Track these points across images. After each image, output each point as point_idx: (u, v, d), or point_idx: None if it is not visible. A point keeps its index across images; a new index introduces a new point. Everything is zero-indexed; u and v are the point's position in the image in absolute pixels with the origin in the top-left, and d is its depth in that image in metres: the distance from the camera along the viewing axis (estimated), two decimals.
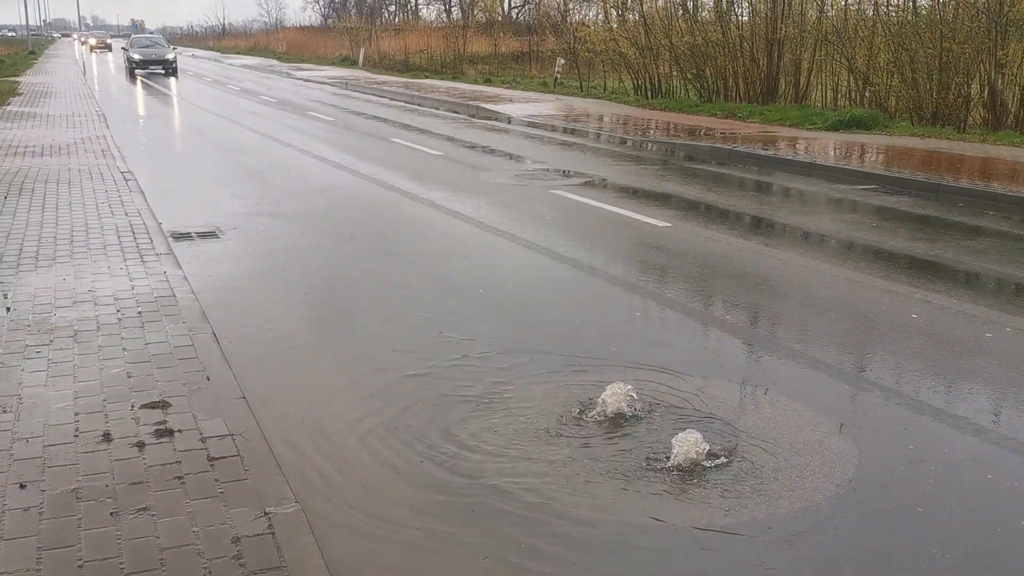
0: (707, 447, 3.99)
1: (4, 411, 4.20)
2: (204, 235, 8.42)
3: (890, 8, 18.40)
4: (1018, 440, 4.26)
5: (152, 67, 37.16)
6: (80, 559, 3.03)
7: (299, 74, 38.29)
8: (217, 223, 8.91)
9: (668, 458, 3.96)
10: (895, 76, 17.39)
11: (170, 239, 8.03)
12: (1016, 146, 13.87)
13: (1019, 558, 3.31)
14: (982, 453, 4.12)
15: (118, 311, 5.77)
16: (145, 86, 31.22)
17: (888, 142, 14.66)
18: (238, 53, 65.73)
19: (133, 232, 8.09)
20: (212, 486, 3.54)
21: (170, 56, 37.37)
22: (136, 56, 36.96)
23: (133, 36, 44.79)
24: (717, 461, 3.95)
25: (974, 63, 15.65)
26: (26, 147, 13.94)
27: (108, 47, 72.29)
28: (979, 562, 3.29)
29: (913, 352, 5.43)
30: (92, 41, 75.89)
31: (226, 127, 18.47)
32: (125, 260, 7.08)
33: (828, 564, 3.27)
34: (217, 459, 3.77)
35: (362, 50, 44.27)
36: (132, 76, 36.00)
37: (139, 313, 5.73)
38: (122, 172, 11.56)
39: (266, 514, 3.33)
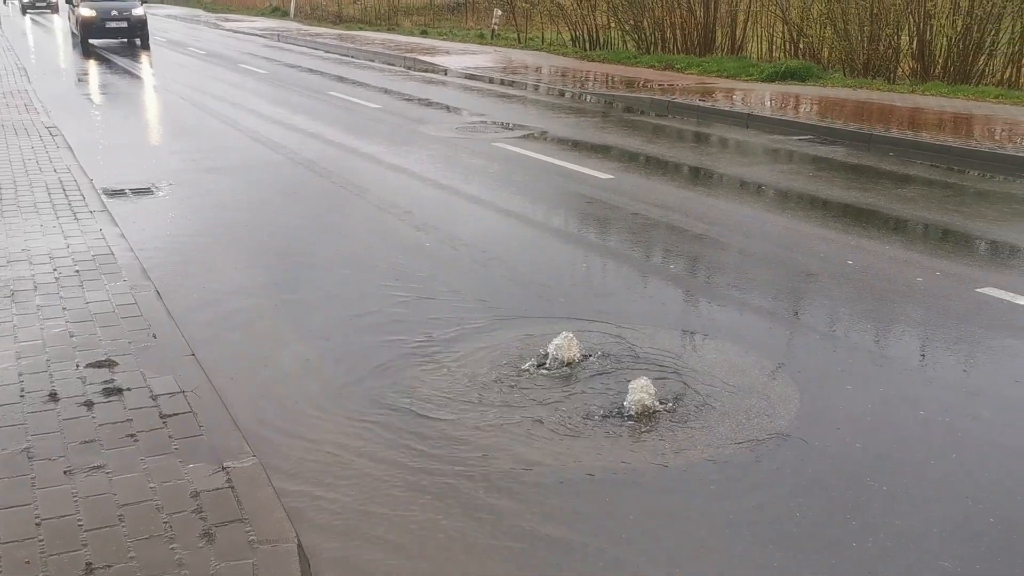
0: (656, 392, 4.10)
1: None
2: (139, 191, 8.21)
3: None
4: (944, 378, 4.47)
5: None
6: (37, 517, 3.00)
7: (228, 25, 37.13)
8: (151, 179, 8.69)
9: (619, 404, 4.07)
10: (828, 28, 17.64)
11: (103, 196, 7.81)
12: (943, 96, 14.24)
13: (949, 487, 3.50)
14: (914, 392, 4.32)
15: (55, 270, 5.62)
16: (65, 39, 29.94)
17: (822, 93, 14.92)
18: (160, 2, 63.27)
19: (64, 189, 7.85)
20: (166, 443, 3.53)
21: (139, 12, 25.32)
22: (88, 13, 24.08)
23: None
24: (666, 405, 4.07)
25: (904, 14, 15.97)
26: None
27: (53, 6, 48.67)
28: (912, 493, 3.47)
29: (848, 297, 5.63)
30: None
31: (154, 80, 17.88)
32: (58, 218, 6.88)
33: (773, 500, 3.42)
34: (170, 416, 3.74)
35: (293, 0, 43.05)
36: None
37: (77, 272, 5.60)
38: (47, 127, 11.15)
39: (224, 468, 3.34)
